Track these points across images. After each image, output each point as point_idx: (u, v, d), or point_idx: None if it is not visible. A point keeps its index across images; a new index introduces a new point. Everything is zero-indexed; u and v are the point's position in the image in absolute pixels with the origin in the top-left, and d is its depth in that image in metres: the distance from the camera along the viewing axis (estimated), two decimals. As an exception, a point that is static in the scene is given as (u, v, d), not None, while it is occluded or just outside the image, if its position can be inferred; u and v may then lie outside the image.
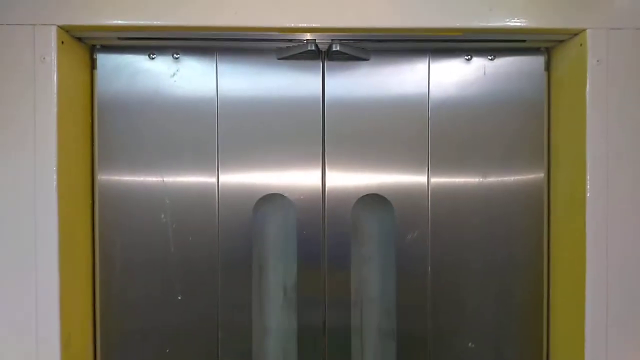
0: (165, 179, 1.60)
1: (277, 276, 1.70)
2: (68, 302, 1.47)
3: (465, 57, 1.63)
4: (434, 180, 1.63)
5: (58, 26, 1.41)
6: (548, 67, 1.64)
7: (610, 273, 1.46)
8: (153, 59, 1.60)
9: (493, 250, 1.64)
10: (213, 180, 1.61)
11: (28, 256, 1.42)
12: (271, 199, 1.64)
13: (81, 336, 1.57)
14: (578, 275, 1.49)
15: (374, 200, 1.64)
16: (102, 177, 1.60)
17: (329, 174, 1.63)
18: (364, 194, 1.63)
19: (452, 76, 1.63)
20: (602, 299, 1.46)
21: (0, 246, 1.42)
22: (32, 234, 1.42)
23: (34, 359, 1.42)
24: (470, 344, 1.64)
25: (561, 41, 1.56)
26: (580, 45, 1.48)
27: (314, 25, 1.45)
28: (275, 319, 1.71)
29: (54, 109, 1.41)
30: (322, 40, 1.56)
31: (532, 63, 1.63)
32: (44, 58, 1.41)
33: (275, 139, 1.62)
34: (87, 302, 1.61)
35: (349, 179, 1.63)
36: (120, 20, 1.43)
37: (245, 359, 1.63)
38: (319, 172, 1.63)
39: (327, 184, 1.63)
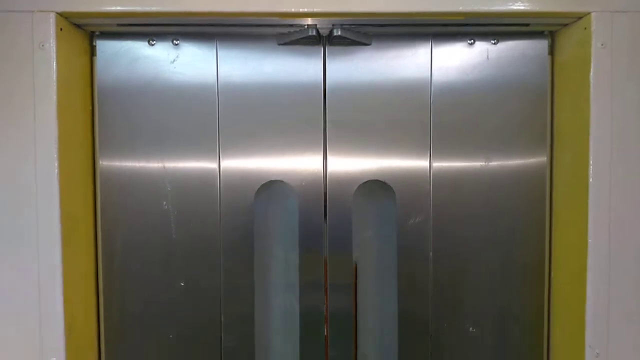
0: (166, 166, 1.60)
1: (279, 262, 1.71)
2: (71, 286, 1.48)
3: (468, 41, 1.61)
4: (436, 165, 1.62)
5: (57, 13, 1.40)
6: (552, 50, 1.63)
7: (613, 257, 1.46)
8: (153, 45, 1.59)
9: (495, 234, 1.64)
10: (214, 166, 1.61)
11: (31, 242, 1.43)
12: (273, 186, 1.64)
13: (84, 320, 1.59)
14: (580, 257, 1.49)
15: (375, 185, 1.64)
16: (103, 163, 1.60)
17: (330, 159, 1.62)
18: (366, 179, 1.62)
19: (454, 60, 1.62)
20: (604, 283, 1.46)
21: (3, 232, 1.43)
22: (34, 221, 1.42)
23: (38, 343, 1.44)
24: (471, 329, 1.65)
25: (565, 25, 1.54)
26: (585, 28, 1.46)
27: (315, 10, 1.43)
28: (278, 304, 1.72)
29: (54, 97, 1.41)
30: (323, 25, 1.54)
31: (536, 47, 1.61)
32: (42, 45, 1.40)
33: (277, 125, 1.61)
34: (90, 287, 1.62)
35: (351, 164, 1.63)
36: (120, 6, 1.41)
37: (248, 344, 1.65)
38: (320, 158, 1.62)
39: (329, 170, 1.62)
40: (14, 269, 1.43)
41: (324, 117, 1.61)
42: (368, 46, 1.60)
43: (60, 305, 1.44)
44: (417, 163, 1.62)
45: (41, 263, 1.43)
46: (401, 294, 1.65)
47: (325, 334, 1.66)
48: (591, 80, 1.45)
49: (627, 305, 1.47)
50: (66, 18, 1.45)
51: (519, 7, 1.44)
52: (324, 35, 1.58)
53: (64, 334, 1.45)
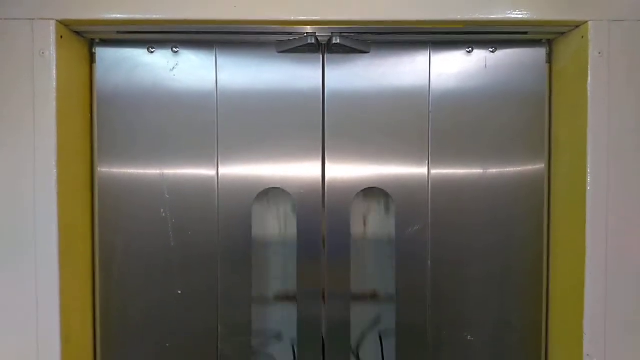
0: (165, 173, 1.60)
1: (277, 269, 1.70)
2: (68, 296, 1.47)
3: (467, 49, 1.62)
4: (435, 172, 1.62)
5: (57, 20, 1.41)
6: (550, 59, 1.63)
7: (610, 263, 1.46)
8: (152, 52, 1.59)
9: (493, 241, 1.64)
10: (213, 173, 1.61)
11: (28, 250, 1.42)
12: (271, 193, 1.64)
13: (81, 331, 1.58)
14: (578, 266, 1.49)
15: (374, 192, 1.64)
16: (102, 170, 1.60)
17: (329, 167, 1.62)
18: (365, 187, 1.62)
19: (453, 68, 1.62)
20: (601, 289, 1.46)
21: (0, 240, 1.42)
22: (31, 228, 1.42)
23: (35, 354, 1.43)
24: (469, 337, 1.65)
25: (563, 33, 1.55)
26: (582, 37, 1.47)
27: (314, 18, 1.44)
28: (276, 312, 1.71)
29: (53, 104, 1.42)
30: (322, 33, 1.55)
31: (534, 55, 1.62)
32: (43, 52, 1.41)
33: (276, 133, 1.61)
34: (87, 295, 1.62)
35: (350, 172, 1.63)
36: (119, 14, 1.42)
37: (245, 353, 1.64)
38: (319, 165, 1.62)
39: (327, 177, 1.62)
40: (12, 277, 1.43)
41: (322, 124, 1.62)
42: (367, 54, 1.61)
43: (56, 315, 1.43)
44: (415, 170, 1.63)
45: (39, 271, 1.42)
46: (400, 302, 1.64)
47: (323, 342, 1.65)
48: (588, 88, 1.45)
49: (625, 313, 1.47)
50: (66, 26, 1.46)
51: (517, 15, 1.45)
52: (323, 43, 1.59)
53: (60, 345, 1.44)
